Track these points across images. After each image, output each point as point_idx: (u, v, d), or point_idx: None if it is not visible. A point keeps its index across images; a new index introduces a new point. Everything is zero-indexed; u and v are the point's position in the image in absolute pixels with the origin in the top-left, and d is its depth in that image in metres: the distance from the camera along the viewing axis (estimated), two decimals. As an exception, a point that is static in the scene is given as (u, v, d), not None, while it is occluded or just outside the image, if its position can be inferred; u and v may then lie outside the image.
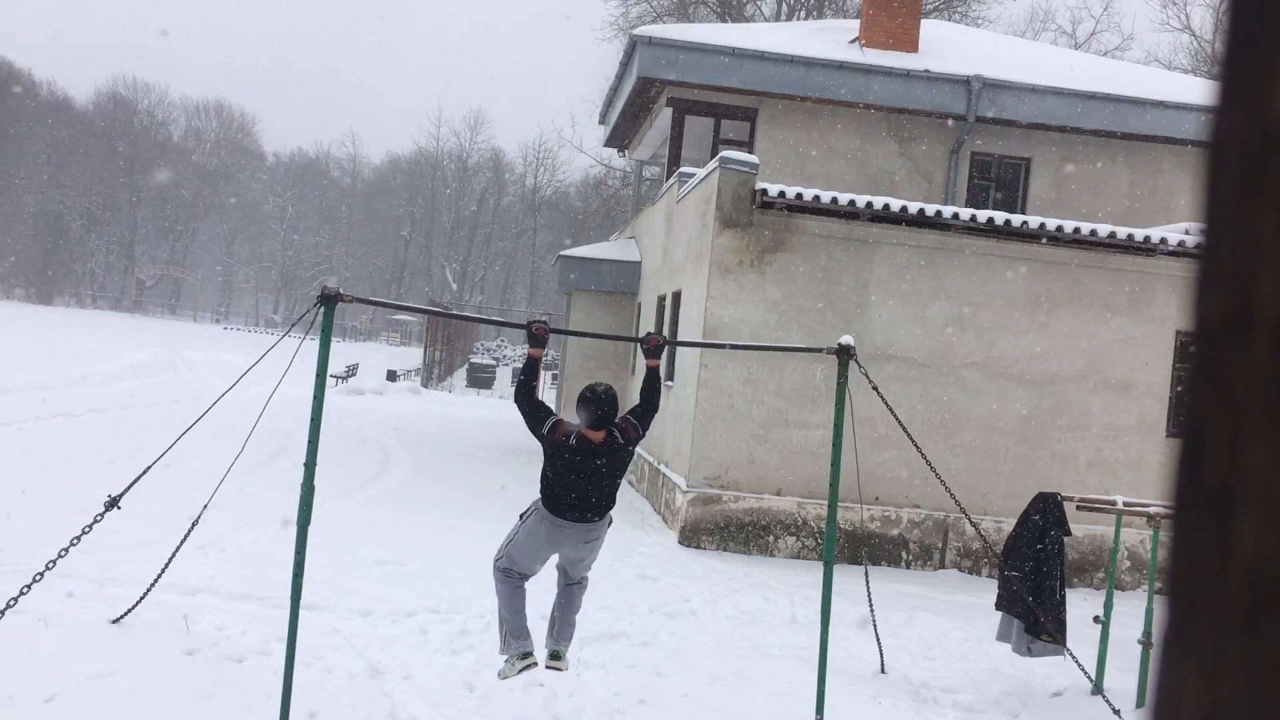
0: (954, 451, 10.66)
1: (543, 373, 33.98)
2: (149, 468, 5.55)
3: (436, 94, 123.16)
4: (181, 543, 5.96)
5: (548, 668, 5.23)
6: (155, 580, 5.98)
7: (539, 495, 5.03)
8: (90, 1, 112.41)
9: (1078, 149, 15.05)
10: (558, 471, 4.90)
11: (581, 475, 4.89)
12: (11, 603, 4.93)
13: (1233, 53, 0.58)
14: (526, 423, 4.99)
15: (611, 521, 5.16)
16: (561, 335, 6.93)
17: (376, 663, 5.90)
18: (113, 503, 5.44)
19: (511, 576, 5.10)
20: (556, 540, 5.00)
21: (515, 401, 5.05)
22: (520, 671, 5.11)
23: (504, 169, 77.12)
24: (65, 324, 42.47)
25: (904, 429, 6.17)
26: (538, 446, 5.24)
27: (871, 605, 7.10)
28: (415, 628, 6.63)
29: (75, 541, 5.40)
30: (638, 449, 13.94)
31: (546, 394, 31.31)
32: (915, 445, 6.20)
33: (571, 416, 5.16)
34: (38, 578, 5.21)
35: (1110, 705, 5.63)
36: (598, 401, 4.84)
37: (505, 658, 5.14)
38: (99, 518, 5.42)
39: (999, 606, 6.78)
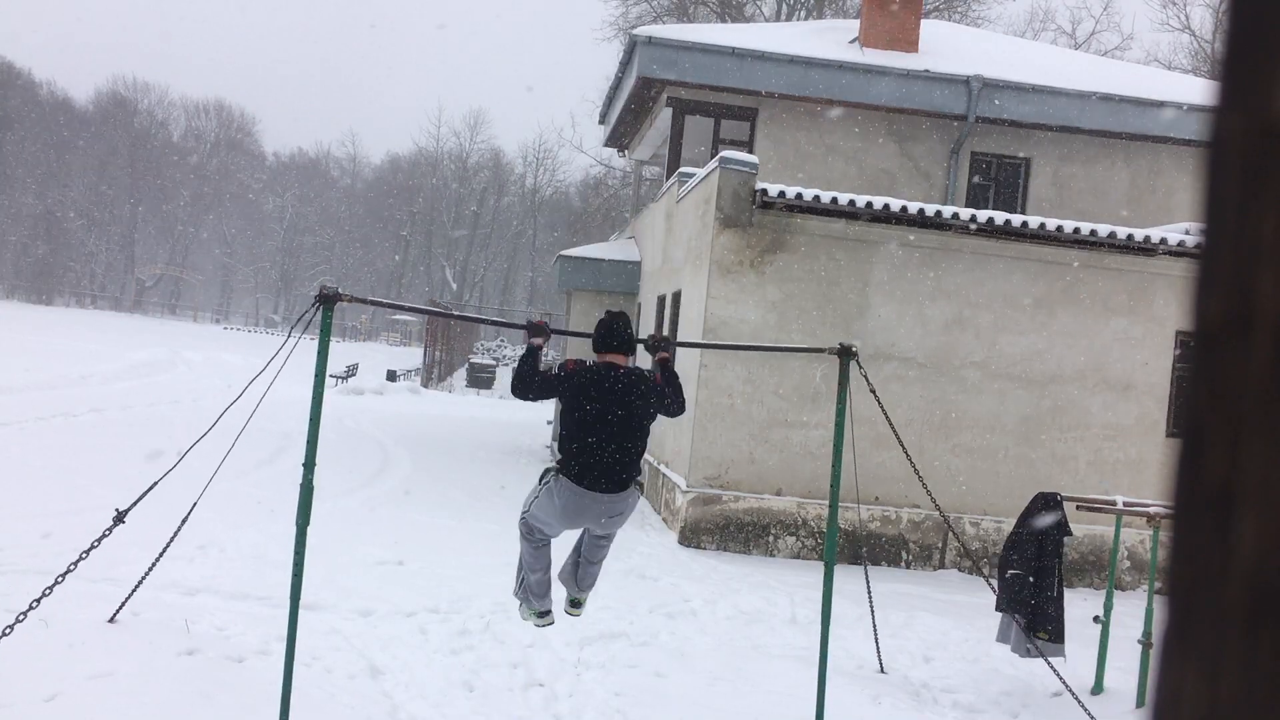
0: (954, 451, 10.66)
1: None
2: (156, 483, 5.58)
3: (436, 94, 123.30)
4: (170, 542, 5.96)
5: (566, 613, 5.02)
6: (143, 578, 5.98)
7: (557, 461, 4.56)
8: (90, 1, 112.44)
9: (1078, 149, 15.05)
10: (581, 411, 4.42)
11: (604, 407, 4.40)
12: (21, 617, 4.93)
13: (1233, 53, 0.58)
14: (538, 396, 4.56)
15: (641, 490, 4.69)
16: (561, 335, 6.94)
17: (376, 663, 5.90)
18: (120, 517, 5.47)
19: (534, 535, 4.73)
20: (578, 513, 4.51)
21: (518, 390, 4.53)
22: (536, 625, 4.99)
23: (504, 169, 77.14)
24: (65, 324, 42.47)
25: (895, 434, 6.17)
26: (537, 447, 5.25)
27: (872, 605, 7.10)
28: (415, 628, 6.63)
29: (85, 555, 5.42)
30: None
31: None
32: (907, 455, 6.20)
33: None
34: (47, 592, 5.19)
35: (1078, 705, 5.63)
36: (612, 323, 4.62)
37: (521, 605, 4.94)
38: (108, 532, 5.46)
39: (999, 608, 6.78)
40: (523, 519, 4.76)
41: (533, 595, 4.89)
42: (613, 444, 4.44)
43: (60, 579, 5.29)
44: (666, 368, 4.90)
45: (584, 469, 4.41)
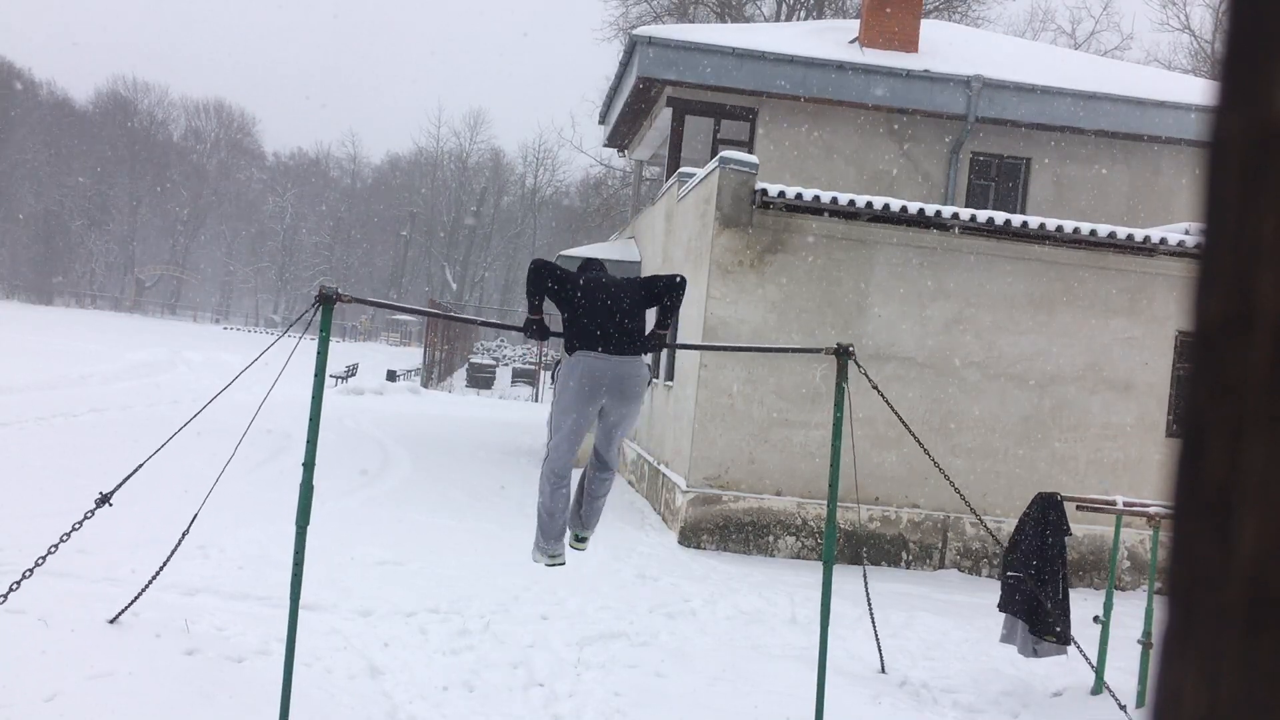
0: (954, 451, 10.66)
1: (541, 374, 34.02)
2: (141, 465, 5.55)
3: (436, 94, 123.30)
4: (177, 545, 5.96)
5: (572, 547, 5.37)
6: (150, 581, 5.97)
7: (565, 354, 5.07)
8: (90, 1, 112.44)
9: (1078, 149, 15.05)
10: (579, 301, 4.97)
11: (603, 298, 4.97)
12: (14, 586, 4.93)
13: (1233, 53, 0.58)
14: (538, 290, 4.99)
15: (652, 379, 5.20)
16: (560, 337, 6.97)
17: (376, 663, 5.90)
18: (104, 499, 5.44)
19: (554, 477, 5.16)
20: (596, 377, 4.92)
21: (529, 286, 5.04)
22: (547, 566, 5.34)
23: (504, 169, 77.16)
24: (65, 324, 42.47)
25: (906, 426, 6.17)
26: (538, 447, 5.28)
27: (870, 605, 7.10)
28: (415, 628, 6.62)
29: (65, 538, 5.38)
30: (639, 448, 13.94)
31: (544, 394, 31.32)
32: (920, 444, 6.19)
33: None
34: (28, 574, 5.18)
35: (1116, 700, 5.64)
36: (592, 263, 5.35)
37: (535, 550, 5.32)
38: (89, 514, 5.42)
39: (1002, 608, 6.78)
40: (544, 462, 5.22)
41: (545, 539, 5.27)
42: (611, 321, 4.95)
43: (41, 560, 5.23)
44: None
45: (591, 335, 4.92)
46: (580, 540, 5.45)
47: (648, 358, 5.17)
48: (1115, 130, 14.60)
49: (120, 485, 5.52)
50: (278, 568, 7.17)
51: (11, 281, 69.25)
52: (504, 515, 10.96)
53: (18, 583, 5.09)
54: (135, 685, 5.03)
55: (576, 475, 5.46)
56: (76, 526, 5.40)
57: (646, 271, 15.83)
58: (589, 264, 5.44)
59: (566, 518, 5.31)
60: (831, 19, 29.46)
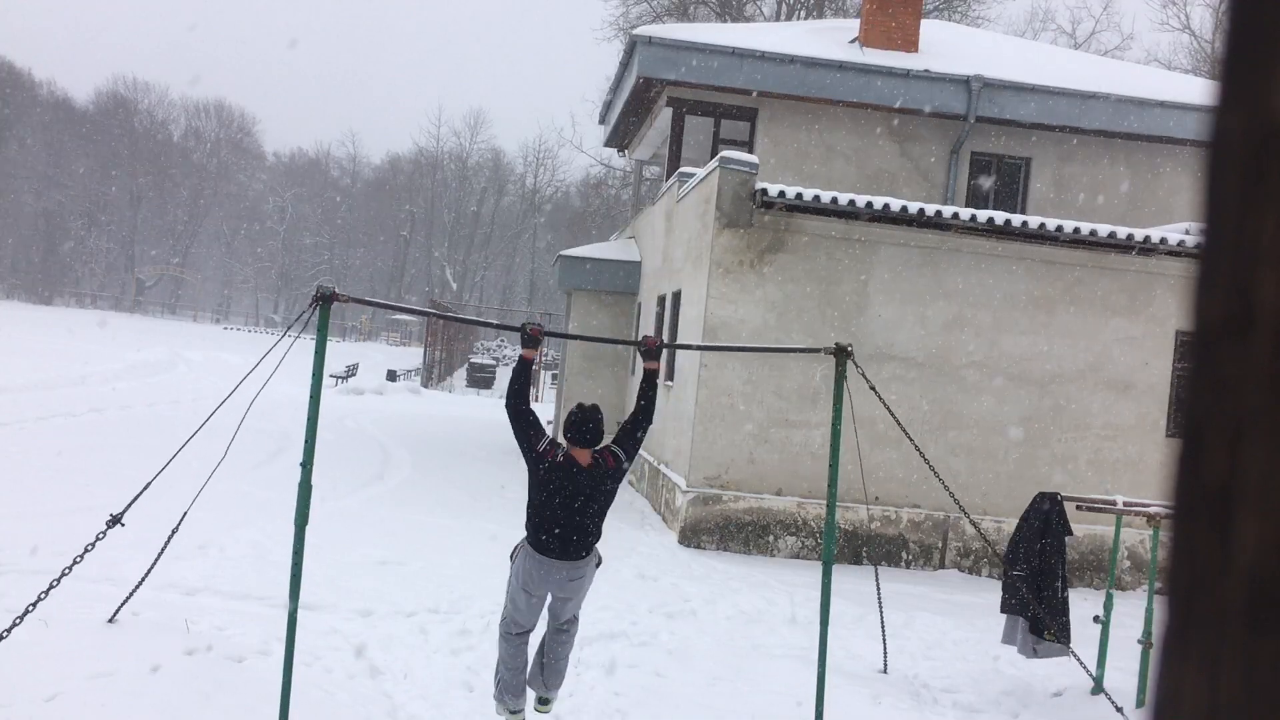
0: (954, 451, 10.66)
1: (541, 373, 33.96)
2: (149, 484, 5.58)
3: (436, 94, 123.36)
4: (166, 543, 5.97)
5: (536, 710, 5.16)
6: (143, 579, 5.98)
7: (525, 533, 4.94)
8: (90, 1, 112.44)
9: (1078, 149, 15.04)
10: (542, 496, 4.81)
11: (566, 499, 4.78)
12: (18, 620, 4.92)
13: (1233, 53, 0.58)
14: (516, 435, 4.87)
15: (600, 562, 5.06)
16: (558, 338, 6.98)
17: (376, 663, 5.90)
18: (115, 520, 5.48)
19: (512, 635, 5.05)
20: (543, 579, 4.87)
21: (507, 408, 4.93)
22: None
23: (504, 169, 77.15)
24: (65, 324, 42.47)
25: (904, 430, 6.17)
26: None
27: (881, 604, 7.11)
28: (415, 628, 6.63)
29: (79, 560, 5.42)
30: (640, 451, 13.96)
31: (546, 394, 31.28)
32: (916, 448, 6.20)
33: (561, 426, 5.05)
34: (43, 596, 5.19)
35: (1113, 703, 5.64)
36: (584, 419, 4.83)
37: (497, 707, 5.15)
38: (101, 535, 5.47)
39: (1004, 609, 6.78)
40: (501, 624, 5.13)
41: (508, 694, 5.08)
42: (569, 528, 4.82)
43: (56, 582, 5.28)
44: (650, 380, 5.11)
45: (544, 543, 4.83)
46: (543, 703, 5.17)
47: (600, 549, 5.08)
48: (1115, 130, 14.59)
49: (130, 505, 5.56)
50: (277, 568, 7.17)
51: (11, 281, 69.23)
52: (504, 515, 10.95)
53: (34, 604, 5.09)
54: (135, 685, 5.03)
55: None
56: (89, 547, 5.46)
57: (646, 271, 15.81)
58: (576, 427, 4.85)
59: (527, 676, 5.12)
60: (831, 19, 29.46)
